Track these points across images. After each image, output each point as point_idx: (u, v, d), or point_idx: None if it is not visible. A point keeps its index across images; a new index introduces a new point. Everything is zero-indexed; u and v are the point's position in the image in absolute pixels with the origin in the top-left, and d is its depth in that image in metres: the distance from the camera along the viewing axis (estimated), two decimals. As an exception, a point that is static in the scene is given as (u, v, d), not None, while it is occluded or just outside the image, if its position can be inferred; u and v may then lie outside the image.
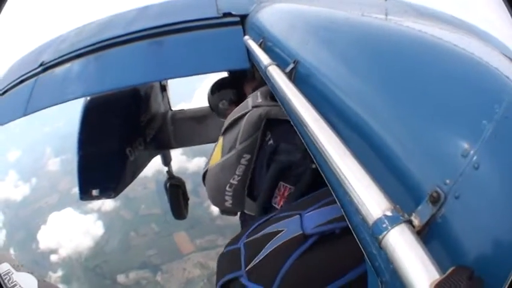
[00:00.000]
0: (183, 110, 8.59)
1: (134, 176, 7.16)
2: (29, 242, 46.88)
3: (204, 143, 8.55)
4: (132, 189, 50.48)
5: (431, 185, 1.25)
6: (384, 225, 1.24)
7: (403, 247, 1.16)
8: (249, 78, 5.24)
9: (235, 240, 2.65)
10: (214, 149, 3.82)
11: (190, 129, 8.22)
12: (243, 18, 5.07)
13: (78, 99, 5.33)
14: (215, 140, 8.16)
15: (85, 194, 6.58)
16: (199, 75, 5.01)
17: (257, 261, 2.35)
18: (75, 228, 48.14)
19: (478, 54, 1.56)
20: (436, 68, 1.64)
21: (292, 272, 2.21)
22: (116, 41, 4.99)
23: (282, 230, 2.41)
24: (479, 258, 1.10)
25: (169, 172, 8.74)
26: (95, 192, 6.51)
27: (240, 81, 5.38)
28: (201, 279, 40.73)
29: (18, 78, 5.19)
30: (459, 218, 1.18)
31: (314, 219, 2.36)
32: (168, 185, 8.73)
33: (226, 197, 3.65)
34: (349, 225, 1.85)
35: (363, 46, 2.25)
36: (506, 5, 1.52)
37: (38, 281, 4.37)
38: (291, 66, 2.71)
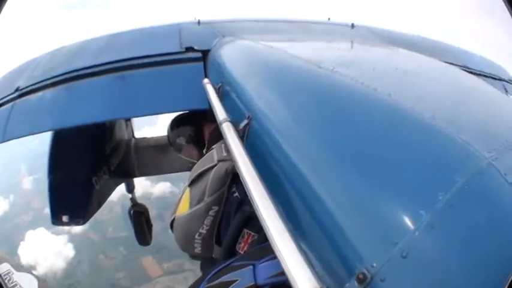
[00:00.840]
0: (146, 138, 8.67)
1: (100, 203, 7.26)
2: (13, 256, 46.16)
3: (167, 173, 8.65)
4: (99, 213, 49.95)
5: (359, 266, 1.33)
6: None
7: None
8: (209, 118, 5.42)
9: (197, 284, 2.70)
10: (180, 199, 3.87)
11: (153, 158, 8.30)
12: (205, 53, 5.16)
13: None
14: (178, 170, 8.43)
15: (56, 219, 6.70)
16: None
17: None
18: (48, 248, 48.50)
19: (431, 80, 1.68)
20: (393, 136, 1.72)
21: None
22: (84, 72, 5.11)
23: (236, 280, 2.45)
24: None
25: (132, 199, 8.81)
26: (65, 218, 6.65)
27: (199, 119, 5.47)
28: None
29: None
30: None
31: (267, 269, 2.40)
32: (132, 211, 8.81)
33: (196, 244, 3.73)
34: None
35: (317, 105, 2.34)
36: (506, 5, 1.59)
37: (38, 281, 4.46)
38: (245, 122, 2.85)
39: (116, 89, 4.99)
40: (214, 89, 4.07)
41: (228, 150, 3.54)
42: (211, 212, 3.60)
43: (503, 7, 1.59)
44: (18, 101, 5.15)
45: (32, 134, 4.78)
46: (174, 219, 3.89)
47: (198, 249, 3.82)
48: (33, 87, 5.22)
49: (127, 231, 44.12)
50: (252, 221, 3.28)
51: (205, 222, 3.63)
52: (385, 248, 1.31)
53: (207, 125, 5.38)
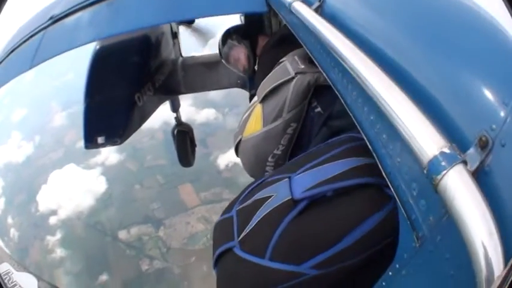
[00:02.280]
0: (194, 56, 8.65)
1: (142, 121, 7.29)
2: (28, 205, 46.63)
3: (215, 89, 8.74)
4: (139, 140, 50.34)
5: (479, 129, 1.25)
6: (443, 164, 1.23)
7: (465, 193, 1.15)
8: (264, 32, 5.32)
9: (229, 207, 2.65)
10: (248, 119, 3.60)
11: (200, 75, 8.25)
12: None
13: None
14: (226, 86, 8.41)
15: (90, 142, 6.74)
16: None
17: (248, 230, 2.37)
18: (77, 186, 47.56)
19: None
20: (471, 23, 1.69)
21: (283, 240, 2.22)
22: None
23: (271, 196, 2.39)
24: None
25: (177, 118, 8.92)
26: (100, 139, 6.66)
27: (253, 32, 5.40)
28: (204, 234, 40.27)
29: (27, 34, 5.24)
30: (506, 167, 1.20)
31: (303, 182, 2.33)
32: (175, 131, 8.94)
33: (267, 168, 3.49)
34: (383, 173, 1.87)
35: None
36: (506, 5, 1.52)
37: (38, 281, 4.50)
38: (317, 4, 2.73)
39: None
40: None
41: (303, 60, 3.44)
42: (289, 130, 3.35)
43: (504, 7, 1.51)
44: (51, 27, 5.09)
45: (66, 51, 4.64)
46: (240, 140, 3.63)
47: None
48: (70, 11, 5.15)
49: (166, 159, 44.71)
50: (339, 135, 2.97)
51: (281, 141, 3.38)
52: (501, 109, 1.25)
53: (260, 36, 5.32)
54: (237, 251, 2.32)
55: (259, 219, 2.33)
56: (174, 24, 7.94)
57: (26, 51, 5.00)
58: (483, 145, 1.21)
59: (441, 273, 1.39)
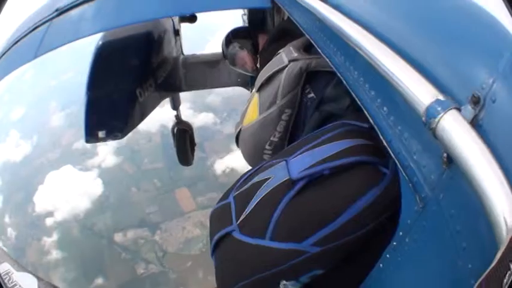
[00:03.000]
0: (195, 54, 8.74)
1: (143, 117, 7.33)
2: (26, 205, 46.32)
3: (216, 87, 8.89)
4: (136, 142, 50.29)
5: (471, 89, 1.35)
6: (439, 109, 1.35)
7: (461, 132, 1.27)
8: (264, 29, 5.38)
9: (226, 195, 2.69)
10: (247, 108, 3.69)
11: (202, 73, 8.35)
12: None
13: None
14: (227, 85, 8.49)
15: (91, 136, 6.79)
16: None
17: (247, 213, 2.38)
18: (73, 188, 47.06)
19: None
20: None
21: (283, 219, 2.25)
22: None
23: (269, 178, 2.43)
24: None
25: (177, 116, 9.00)
26: (101, 133, 6.71)
27: (255, 32, 5.48)
28: (200, 239, 40.37)
29: (32, 25, 5.31)
30: (498, 121, 1.29)
31: (300, 163, 2.37)
32: (175, 129, 9.02)
33: (265, 156, 3.50)
34: (384, 142, 1.95)
35: None
36: (506, 5, 1.54)
37: (38, 281, 4.52)
38: None
39: None
40: None
41: (298, 49, 3.51)
42: (284, 116, 3.39)
43: (504, 7, 1.54)
44: (56, 19, 5.16)
45: (70, 42, 4.71)
46: (240, 131, 3.70)
47: None
48: (75, 3, 5.21)
49: (164, 162, 44.73)
50: (329, 121, 3.02)
51: (277, 128, 3.42)
52: (491, 70, 1.34)
53: (261, 35, 5.38)
54: (236, 235, 2.36)
55: (257, 201, 2.37)
56: (176, 22, 8.04)
57: (31, 41, 5.06)
58: (475, 101, 1.30)
59: (447, 232, 1.44)
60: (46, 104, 59.38)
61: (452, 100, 1.38)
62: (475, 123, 1.30)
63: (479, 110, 1.30)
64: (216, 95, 52.15)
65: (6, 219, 44.27)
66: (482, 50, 1.48)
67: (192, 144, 9.29)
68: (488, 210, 1.14)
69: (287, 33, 3.96)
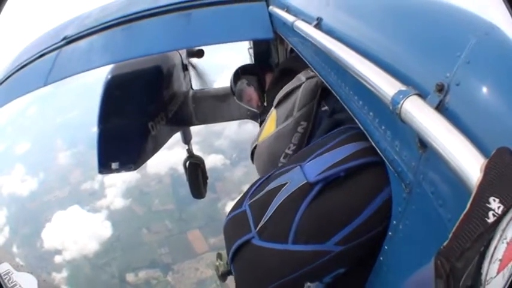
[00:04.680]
0: (204, 89, 8.90)
1: (155, 150, 7.43)
2: (34, 239, 46.58)
3: (226, 120, 8.97)
4: (146, 184, 50.12)
5: (436, 79, 1.55)
6: (401, 96, 1.56)
7: (424, 112, 1.47)
8: (271, 67, 5.67)
9: (238, 204, 2.78)
10: (264, 124, 3.80)
11: (211, 106, 8.51)
12: None
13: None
14: (237, 118, 8.65)
15: (104, 167, 6.81)
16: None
17: (267, 219, 2.45)
18: (81, 230, 47.30)
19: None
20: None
21: (305, 222, 2.35)
22: (144, 14, 5.29)
23: (285, 183, 2.52)
24: (486, 132, 1.37)
25: (189, 150, 9.20)
26: (114, 165, 6.77)
27: (262, 69, 5.75)
28: (213, 280, 39.40)
29: (39, 52, 5.47)
30: (463, 101, 1.48)
31: (315, 167, 2.49)
32: (187, 163, 9.21)
33: None
34: (372, 142, 2.18)
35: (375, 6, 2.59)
36: (506, 5, 1.63)
37: (38, 281, 4.61)
38: (315, 22, 3.06)
39: (180, 24, 5.18)
40: (282, 10, 4.26)
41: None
42: (299, 129, 3.49)
43: (504, 7, 1.65)
44: (65, 47, 5.33)
45: (81, 72, 4.91)
46: (255, 146, 3.81)
47: None
48: (84, 33, 5.40)
49: (174, 203, 44.55)
50: (339, 127, 3.10)
51: (292, 140, 3.50)
52: (453, 60, 1.54)
53: (268, 74, 5.66)
54: (256, 242, 2.44)
55: (276, 206, 2.45)
56: (184, 57, 8.23)
57: (39, 68, 5.23)
58: (440, 89, 1.52)
59: (433, 209, 1.60)
60: (51, 141, 59.67)
61: (414, 89, 1.59)
62: (441, 108, 1.49)
63: (444, 95, 1.50)
64: (225, 139, 52.98)
65: (14, 249, 44.07)
66: (446, 41, 1.69)
67: (204, 177, 9.46)
68: (462, 177, 1.25)
69: (290, 70, 4.12)
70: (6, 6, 3.63)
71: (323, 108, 3.45)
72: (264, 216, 2.48)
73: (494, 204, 1.05)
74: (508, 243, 1.02)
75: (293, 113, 3.50)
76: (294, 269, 2.33)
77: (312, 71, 3.52)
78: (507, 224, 1.01)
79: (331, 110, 3.36)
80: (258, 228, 2.47)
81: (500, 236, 1.00)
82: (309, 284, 2.34)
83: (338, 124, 3.15)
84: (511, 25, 1.56)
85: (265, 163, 3.70)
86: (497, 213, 1.03)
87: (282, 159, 3.50)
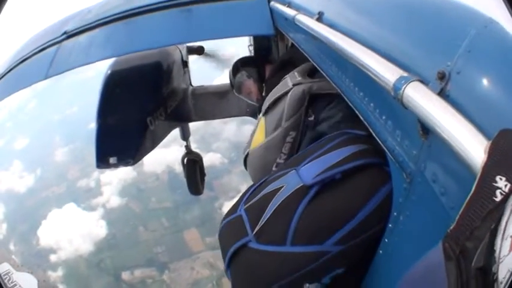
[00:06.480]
0: (204, 86, 8.92)
1: (153, 145, 7.43)
2: (31, 237, 46.33)
3: (225, 117, 9.03)
4: (143, 181, 49.96)
5: (438, 67, 1.58)
6: (403, 82, 1.60)
7: (426, 97, 1.51)
8: (269, 59, 5.70)
9: (233, 210, 2.81)
10: (254, 132, 3.86)
11: (211, 103, 8.54)
12: None
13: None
14: (236, 115, 8.66)
15: (102, 161, 6.83)
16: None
17: (263, 222, 2.50)
18: (76, 229, 46.89)
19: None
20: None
21: (302, 224, 2.39)
22: (145, 9, 5.28)
23: (281, 187, 2.57)
24: (487, 115, 1.39)
25: (187, 147, 9.22)
26: (112, 160, 6.77)
27: (261, 61, 5.78)
28: (209, 280, 39.98)
29: (40, 46, 5.50)
30: (464, 88, 1.50)
31: (311, 170, 2.54)
32: (185, 159, 9.23)
33: None
34: (374, 134, 2.21)
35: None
36: (506, 5, 1.63)
37: (38, 281, 4.61)
38: (316, 16, 3.08)
39: (181, 18, 5.19)
40: (283, 5, 4.28)
41: (302, 74, 3.76)
42: (288, 139, 3.56)
43: (503, 7, 1.65)
44: (65, 42, 5.35)
45: (81, 65, 4.95)
46: (247, 154, 3.88)
47: None
48: (85, 27, 5.42)
49: (171, 201, 44.47)
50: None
51: (282, 150, 3.57)
52: (454, 49, 1.56)
53: (267, 65, 5.67)
54: (253, 245, 2.48)
55: (273, 209, 2.49)
56: (184, 53, 8.25)
57: (40, 62, 5.27)
58: (441, 77, 1.54)
59: (434, 198, 1.62)
60: (50, 137, 59.38)
61: (416, 75, 1.62)
62: (443, 94, 1.52)
63: (446, 83, 1.53)
64: (223, 141, 52.74)
65: (11, 247, 43.99)
66: (447, 32, 1.74)
67: (202, 174, 9.48)
68: (466, 160, 1.28)
69: (289, 63, 4.22)
70: (7, 3, 3.62)
71: (309, 118, 3.51)
72: (261, 220, 2.51)
73: (501, 182, 1.06)
74: None
75: (281, 123, 3.59)
76: (293, 270, 2.36)
77: (299, 76, 3.66)
78: None
79: (316, 120, 3.43)
80: (255, 232, 2.50)
81: (511, 212, 0.99)
82: (307, 285, 2.38)
83: (320, 135, 3.22)
84: (509, 21, 1.59)
85: (258, 172, 3.77)
86: (504, 191, 1.04)
87: (274, 168, 3.55)
